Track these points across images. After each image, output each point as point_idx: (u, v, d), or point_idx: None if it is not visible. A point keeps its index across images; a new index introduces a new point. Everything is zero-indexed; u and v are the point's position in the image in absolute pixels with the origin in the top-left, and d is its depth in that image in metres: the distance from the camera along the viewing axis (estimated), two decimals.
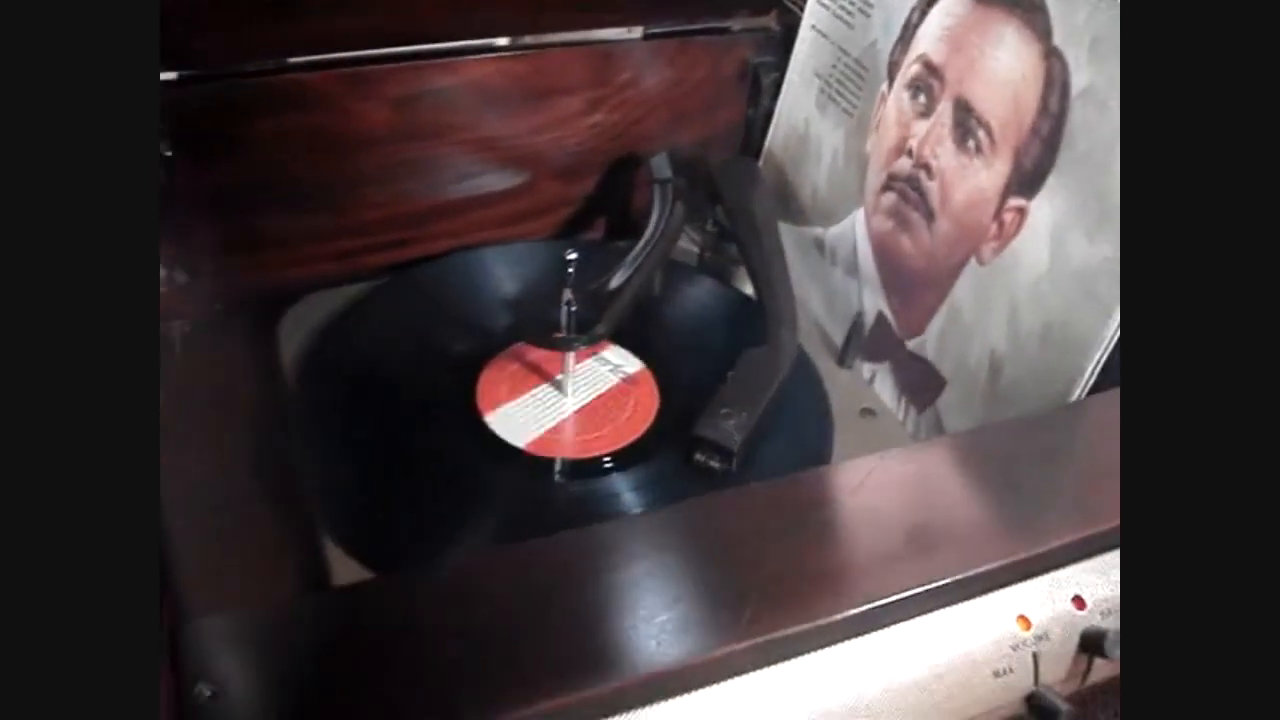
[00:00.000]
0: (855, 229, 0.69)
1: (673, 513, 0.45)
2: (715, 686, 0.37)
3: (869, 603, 0.39)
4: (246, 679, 0.35)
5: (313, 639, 0.37)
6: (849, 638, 0.39)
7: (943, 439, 0.58)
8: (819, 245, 0.72)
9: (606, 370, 0.65)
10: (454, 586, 0.40)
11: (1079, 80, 0.54)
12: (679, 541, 0.42)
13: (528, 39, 0.70)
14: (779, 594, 0.39)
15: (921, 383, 0.64)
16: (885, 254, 0.67)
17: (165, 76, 0.62)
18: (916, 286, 0.64)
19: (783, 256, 0.69)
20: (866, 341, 0.68)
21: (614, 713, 0.36)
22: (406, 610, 0.38)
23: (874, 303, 0.68)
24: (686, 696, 0.37)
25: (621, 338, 0.65)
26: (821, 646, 0.39)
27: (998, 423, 0.59)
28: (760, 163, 0.76)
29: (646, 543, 0.41)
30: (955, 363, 0.62)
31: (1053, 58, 0.55)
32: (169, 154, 0.62)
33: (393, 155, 0.70)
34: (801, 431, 0.62)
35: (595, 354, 0.65)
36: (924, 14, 0.63)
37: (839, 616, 0.38)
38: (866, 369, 0.69)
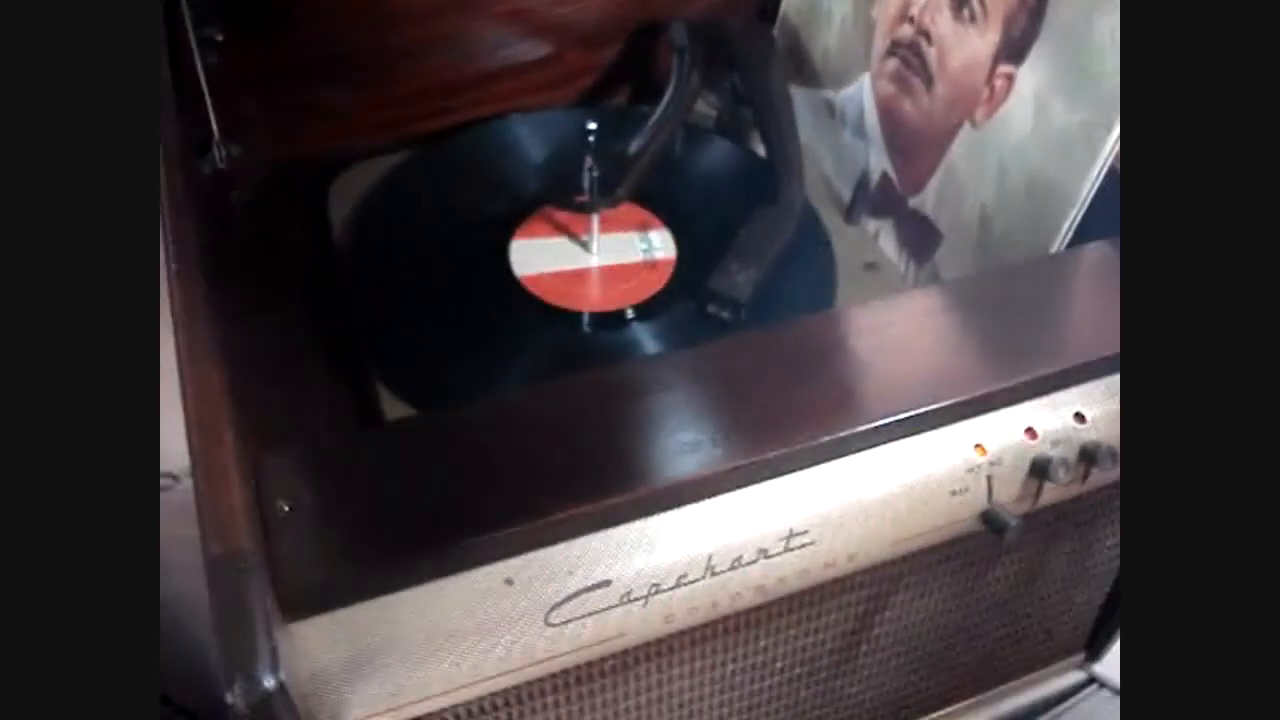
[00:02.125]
0: (862, 92, 0.73)
1: (681, 356, 0.51)
2: (712, 499, 0.44)
3: (841, 431, 0.45)
4: (317, 496, 0.42)
5: (372, 463, 0.44)
6: (824, 461, 0.46)
7: (923, 290, 0.63)
8: (829, 107, 0.76)
9: (637, 242, 0.70)
10: (501, 414, 0.47)
11: None
12: (687, 379, 0.48)
13: None
14: (766, 423, 0.46)
15: (921, 237, 0.69)
16: (889, 116, 0.71)
17: None
18: (917, 147, 0.69)
19: (793, 120, 0.73)
20: (872, 199, 0.73)
21: (627, 519, 0.43)
22: (454, 436, 0.45)
23: (879, 162, 0.72)
24: (687, 508, 0.44)
25: (642, 199, 0.70)
26: (800, 468, 0.45)
27: (977, 274, 0.64)
28: (776, 27, 0.80)
29: (658, 380, 0.48)
30: (951, 218, 0.67)
31: None
32: (219, 37, 0.67)
33: (428, 29, 0.74)
34: (808, 284, 0.68)
35: (631, 226, 0.70)
36: None
37: (814, 443, 0.45)
38: (872, 225, 0.73)
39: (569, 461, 0.44)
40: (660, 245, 0.69)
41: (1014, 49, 0.60)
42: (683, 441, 0.45)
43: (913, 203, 0.70)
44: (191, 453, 0.40)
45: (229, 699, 0.35)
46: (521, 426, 0.46)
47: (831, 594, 0.51)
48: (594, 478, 0.43)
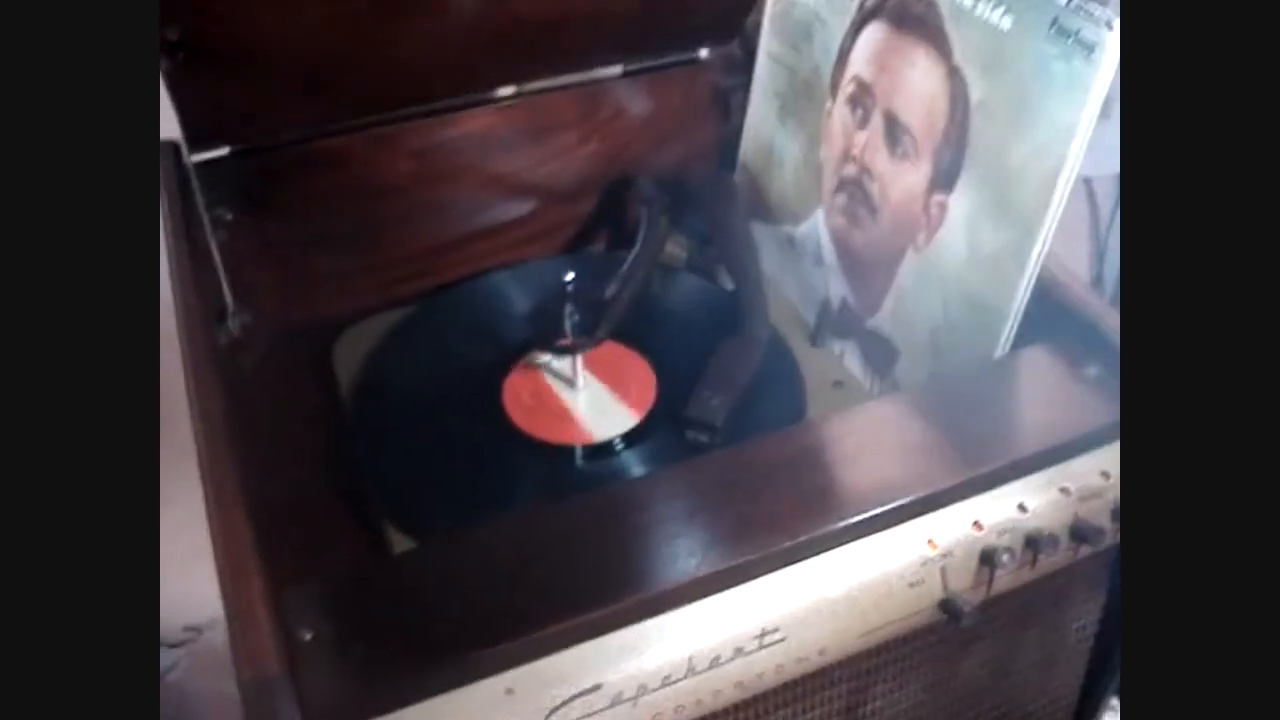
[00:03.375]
0: (817, 225, 0.80)
1: (660, 475, 0.57)
2: (691, 605, 0.49)
3: (804, 535, 0.50)
4: (335, 625, 0.47)
5: (383, 592, 0.49)
6: (791, 563, 0.51)
7: (877, 401, 0.69)
8: (789, 241, 0.83)
9: (618, 374, 0.75)
10: (496, 538, 0.52)
11: (975, 93, 0.64)
12: (665, 497, 0.54)
13: (521, 88, 0.82)
14: (738, 533, 0.51)
15: (881, 355, 0.75)
16: (843, 246, 0.77)
17: (221, 152, 0.74)
18: (869, 272, 0.75)
19: (756, 256, 0.80)
20: (834, 322, 0.79)
21: (615, 627, 0.48)
22: (453, 562, 0.50)
23: (838, 288, 0.79)
24: (669, 614, 0.49)
25: (619, 335, 0.76)
26: (770, 571, 0.50)
27: (926, 383, 0.69)
28: (735, 173, 0.87)
29: (640, 499, 0.54)
30: (905, 335, 0.73)
31: (955, 75, 0.65)
32: (229, 217, 0.74)
33: (416, 198, 0.82)
34: (779, 404, 0.73)
35: (611, 359, 0.75)
36: (854, 40, 0.73)
37: (780, 548, 0.50)
38: (836, 346, 0.79)
39: (560, 577, 0.49)
40: (640, 377, 0.75)
41: (943, 179, 0.67)
42: (663, 554, 0.50)
43: (870, 323, 0.76)
44: (223, 593, 0.45)
45: None
46: (515, 548, 0.51)
47: (811, 689, 0.55)
48: (584, 591, 0.48)
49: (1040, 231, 0.61)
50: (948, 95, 0.66)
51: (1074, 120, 0.58)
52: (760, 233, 0.84)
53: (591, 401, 0.73)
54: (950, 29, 0.65)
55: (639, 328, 0.77)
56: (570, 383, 0.74)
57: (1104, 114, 0.58)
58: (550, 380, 0.75)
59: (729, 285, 0.81)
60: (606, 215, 0.88)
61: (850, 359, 0.78)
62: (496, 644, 0.46)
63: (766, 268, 0.83)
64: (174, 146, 0.73)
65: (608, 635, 0.48)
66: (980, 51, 0.63)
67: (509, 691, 0.46)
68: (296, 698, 0.43)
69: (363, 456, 0.70)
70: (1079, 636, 0.65)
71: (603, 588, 0.48)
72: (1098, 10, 0.56)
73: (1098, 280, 1.30)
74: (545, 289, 0.81)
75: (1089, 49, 0.56)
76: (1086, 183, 1.19)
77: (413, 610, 0.48)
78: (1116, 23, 0.55)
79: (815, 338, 0.80)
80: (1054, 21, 0.58)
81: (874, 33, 0.71)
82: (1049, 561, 0.55)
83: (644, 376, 0.75)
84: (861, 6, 0.72)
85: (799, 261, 0.82)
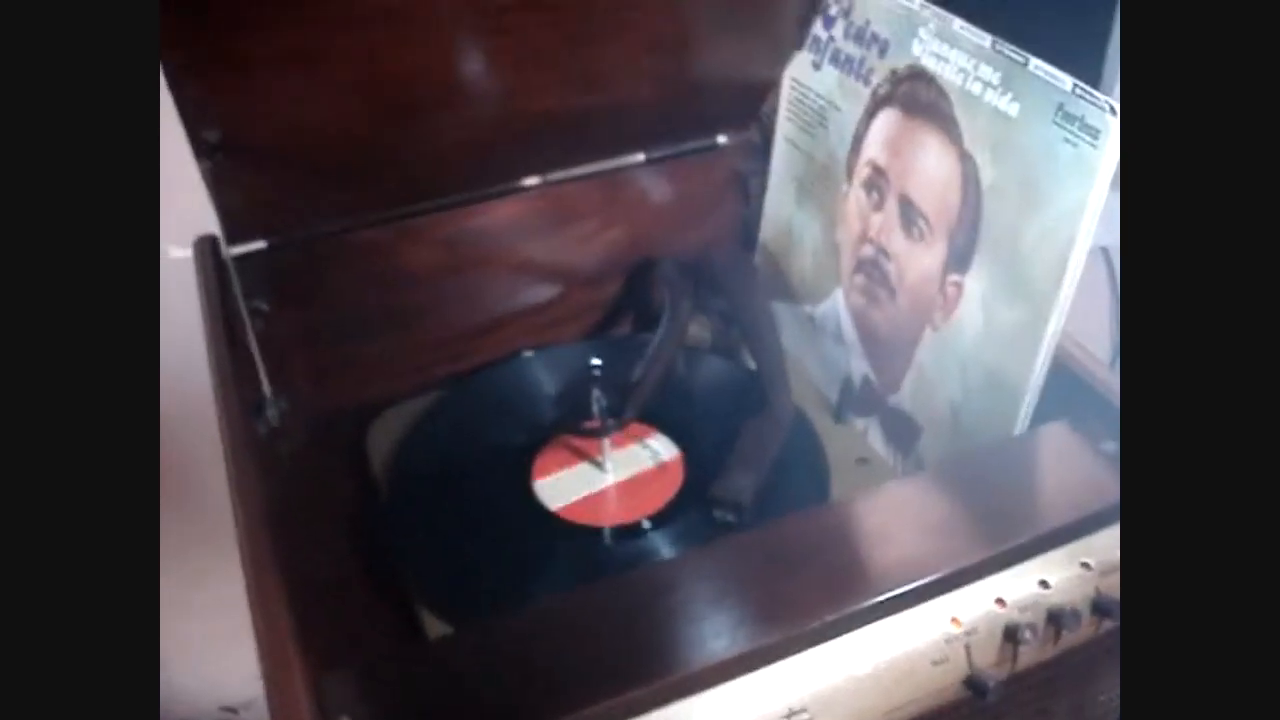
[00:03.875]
0: (837, 305, 0.81)
1: (690, 558, 0.58)
2: (721, 685, 0.50)
3: (830, 616, 0.51)
4: (372, 709, 0.48)
5: (420, 676, 0.50)
6: (817, 643, 0.52)
7: (899, 481, 0.70)
8: (810, 320, 0.84)
9: (646, 455, 0.77)
10: (531, 622, 0.53)
11: (986, 177, 0.66)
12: (694, 580, 0.55)
13: (546, 177, 0.84)
14: (765, 615, 0.52)
15: (903, 431, 0.76)
16: (862, 325, 0.79)
17: (258, 246, 0.77)
18: (889, 351, 0.77)
19: (777, 336, 0.82)
20: (857, 399, 0.80)
21: (648, 709, 0.49)
22: (488, 646, 0.52)
23: (860, 366, 0.80)
24: (700, 694, 0.50)
25: (650, 417, 0.78)
26: (797, 651, 0.51)
27: (947, 461, 0.71)
28: (755, 254, 0.89)
29: (671, 582, 0.55)
30: (926, 412, 0.74)
31: (966, 159, 0.67)
32: (266, 308, 0.77)
33: (446, 285, 0.84)
34: (804, 482, 0.74)
35: (639, 439, 0.78)
36: (867, 126, 0.75)
37: (807, 629, 0.51)
38: (860, 423, 0.81)
39: (591, 662, 0.50)
40: (667, 456, 0.76)
41: (958, 260, 0.69)
42: (692, 636, 0.51)
43: (892, 400, 0.77)
44: (265, 680, 0.47)
45: None
46: (547, 633, 0.52)
47: None
48: (615, 675, 0.49)
49: (1054, 309, 0.62)
50: (960, 179, 0.68)
51: (1082, 201, 0.60)
52: (781, 312, 0.86)
53: (621, 482, 0.75)
54: (960, 115, 0.67)
55: (665, 409, 0.79)
56: (599, 464, 0.76)
57: (1116, 184, 0.60)
58: (579, 462, 0.76)
59: (752, 365, 0.82)
60: (631, 298, 0.90)
61: (873, 436, 0.79)
62: None
63: (789, 346, 0.84)
64: (212, 240, 0.76)
65: (641, 716, 0.49)
66: (989, 136, 0.65)
67: None
68: None
69: (396, 540, 0.72)
70: (1105, 710, 0.65)
71: (633, 671, 0.49)
72: (1100, 97, 0.58)
73: (1119, 349, 1.31)
74: (573, 371, 0.83)
75: (1094, 134, 0.58)
76: (1104, 252, 1.20)
77: (447, 696, 0.49)
78: (1117, 107, 0.57)
79: (838, 415, 0.81)
80: (1059, 108, 0.60)
81: (887, 118, 0.74)
82: (1072, 636, 0.56)
83: (671, 457, 0.77)
84: (874, 94, 0.74)
85: (820, 340, 0.84)
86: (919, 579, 0.53)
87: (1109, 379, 0.64)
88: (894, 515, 0.59)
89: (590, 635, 0.51)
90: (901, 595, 0.53)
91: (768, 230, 0.88)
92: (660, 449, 0.77)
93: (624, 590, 0.55)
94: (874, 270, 0.77)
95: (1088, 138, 0.59)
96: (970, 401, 0.69)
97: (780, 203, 0.86)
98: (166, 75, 0.60)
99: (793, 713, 0.50)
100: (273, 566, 0.53)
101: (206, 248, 0.76)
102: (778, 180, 0.86)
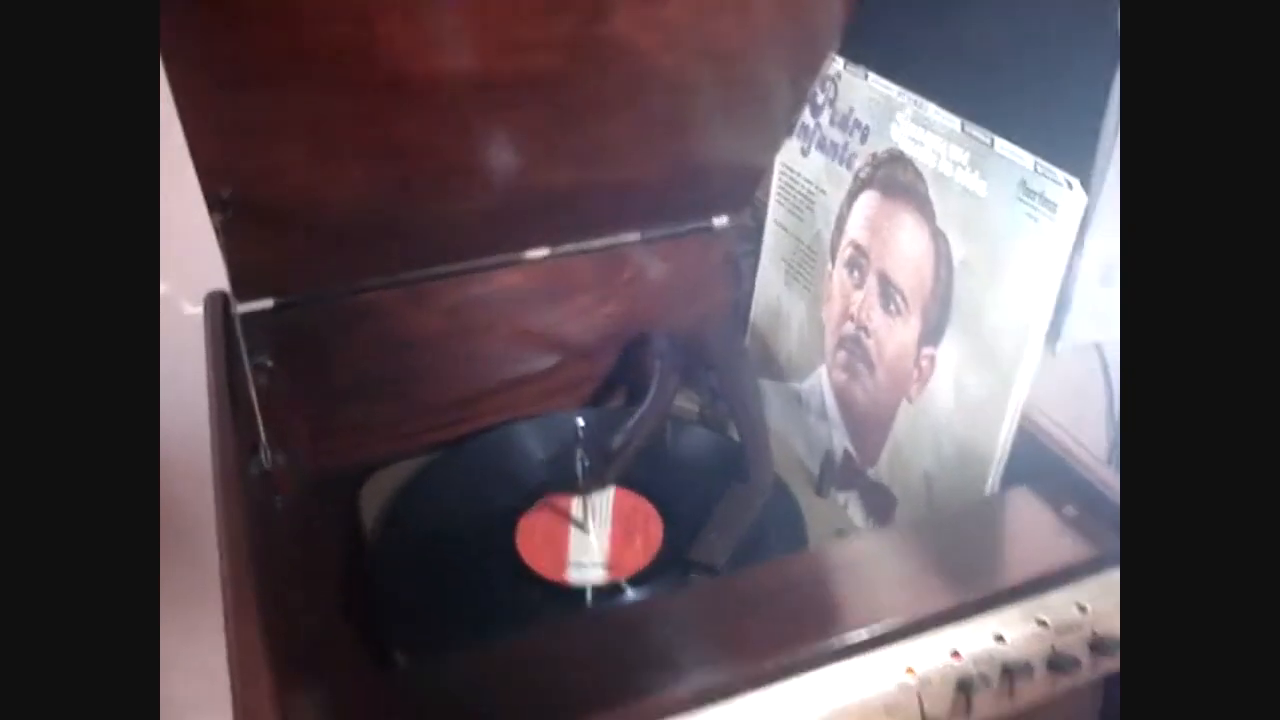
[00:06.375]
0: (821, 382, 0.84)
1: (653, 603, 0.60)
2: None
3: (784, 658, 0.53)
4: None
5: (384, 700, 0.52)
6: (771, 683, 0.53)
7: (864, 536, 0.74)
8: (796, 397, 0.87)
9: (629, 520, 0.79)
10: (499, 654, 0.55)
11: (958, 253, 0.69)
12: (655, 621, 0.57)
13: (550, 250, 0.88)
14: (721, 655, 0.53)
15: (880, 503, 0.78)
16: (844, 400, 0.81)
17: (264, 304, 0.81)
18: (868, 425, 0.79)
19: (762, 410, 0.84)
20: (839, 474, 0.82)
21: None
22: (451, 678, 0.53)
23: (841, 441, 0.82)
24: None
25: (634, 484, 0.80)
26: (750, 690, 0.52)
27: (915, 523, 0.73)
28: (747, 333, 0.92)
29: (630, 624, 0.56)
30: (902, 483, 0.76)
31: (939, 237, 0.70)
32: (270, 364, 0.80)
33: (445, 351, 0.87)
34: (783, 551, 0.76)
35: (622, 504, 0.79)
36: (850, 207, 0.79)
37: (761, 669, 0.52)
38: (840, 496, 0.82)
39: (546, 693, 0.52)
40: (649, 521, 0.78)
41: (932, 333, 0.71)
42: (649, 675, 0.52)
43: (871, 474, 0.79)
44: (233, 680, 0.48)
45: None
46: (508, 666, 0.54)
47: None
48: (567, 708, 0.51)
49: (1017, 379, 0.64)
50: (933, 256, 0.71)
51: (1042, 272, 0.62)
52: (770, 390, 0.89)
53: (601, 545, 0.76)
54: (933, 195, 0.70)
55: (649, 476, 0.81)
56: (582, 526, 0.78)
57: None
58: (563, 524, 0.78)
59: (738, 438, 0.84)
60: (626, 371, 0.93)
61: (853, 509, 0.81)
62: None
63: (776, 423, 0.87)
64: (223, 297, 0.79)
65: None
66: (960, 214, 0.68)
67: None
68: None
69: (381, 597, 0.73)
70: None
71: (585, 704, 0.51)
72: (1059, 173, 0.61)
73: (1115, 444, 1.32)
74: (563, 440, 0.85)
75: (1053, 207, 0.61)
76: (1098, 348, 1.22)
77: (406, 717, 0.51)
78: (1077, 183, 0.60)
79: (820, 488, 0.83)
80: (1022, 184, 0.63)
81: (867, 200, 0.77)
82: (1028, 690, 0.56)
83: (653, 522, 0.78)
84: (856, 177, 0.78)
85: (805, 416, 0.86)
86: (876, 626, 0.55)
87: (1072, 448, 0.66)
88: (859, 566, 0.60)
89: (546, 669, 0.53)
90: (856, 644, 0.54)
91: (758, 310, 0.91)
92: (643, 514, 0.79)
93: (592, 626, 0.56)
94: (855, 347, 0.79)
95: (1047, 211, 0.62)
96: (943, 471, 0.71)
97: (770, 283, 0.89)
98: (185, 133, 0.64)
99: None
100: (253, 616, 0.54)
101: (216, 303, 0.79)
102: (768, 261, 0.89)
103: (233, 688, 0.51)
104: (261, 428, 0.76)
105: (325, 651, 0.71)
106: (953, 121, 0.68)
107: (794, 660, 0.53)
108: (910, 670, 0.54)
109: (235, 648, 0.52)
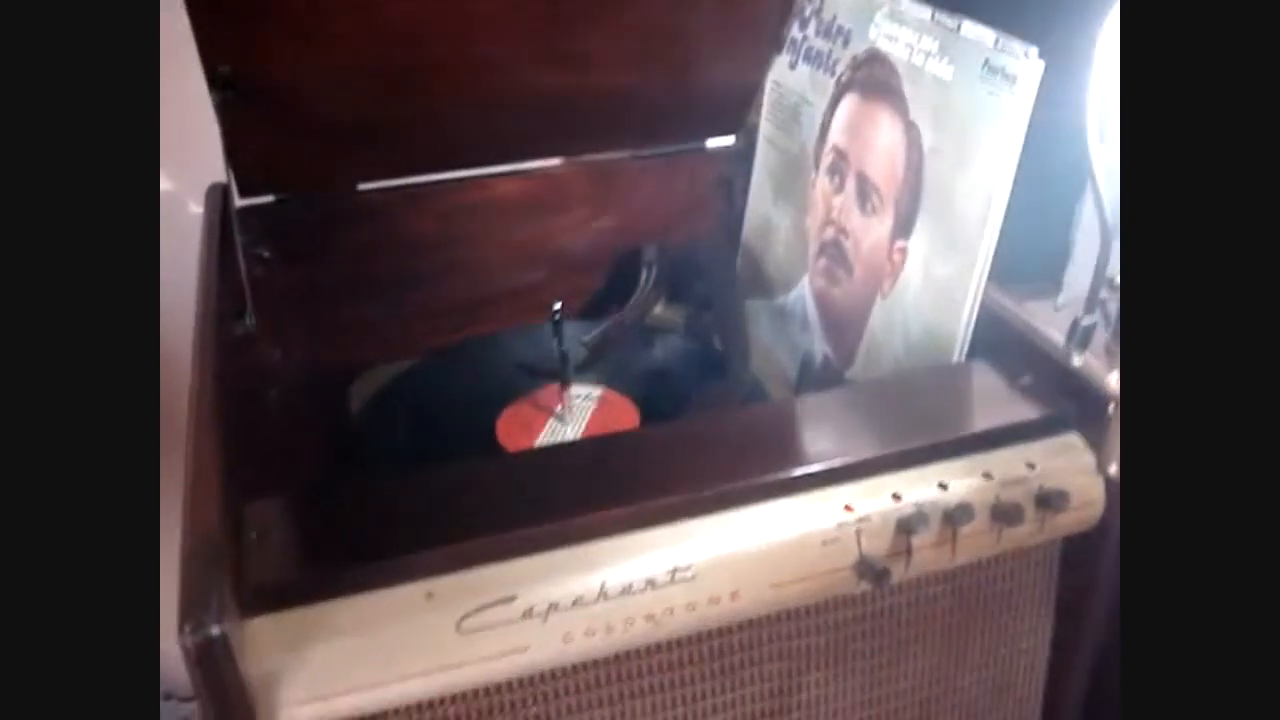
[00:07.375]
0: (804, 291, 0.85)
1: (608, 439, 0.63)
2: (609, 538, 0.53)
3: (726, 487, 0.54)
4: (282, 528, 0.52)
5: (330, 508, 0.54)
6: (709, 513, 0.54)
7: (822, 393, 0.76)
8: (781, 311, 0.88)
9: (606, 415, 0.81)
10: (451, 473, 0.58)
11: (927, 141, 0.70)
12: (610, 454, 0.60)
13: (541, 163, 0.90)
14: (664, 481, 0.55)
15: None
16: (823, 306, 0.82)
17: (265, 199, 0.84)
18: (844, 326, 0.80)
19: (744, 318, 0.86)
20: (815, 377, 0.83)
21: (533, 551, 0.52)
22: (401, 490, 0.56)
23: (820, 347, 0.83)
24: (585, 544, 0.53)
25: (614, 385, 0.82)
26: (688, 518, 0.54)
27: (876, 381, 0.75)
28: (740, 251, 0.94)
29: (585, 453, 0.59)
30: (874, 377, 0.77)
31: (911, 129, 0.71)
32: (266, 255, 0.83)
33: (439, 258, 0.89)
34: None
35: (600, 401, 0.82)
36: (832, 113, 0.80)
37: (699, 496, 0.54)
38: None
39: (490, 507, 0.54)
40: (626, 417, 0.80)
41: (903, 225, 0.72)
42: (592, 493, 0.54)
43: (847, 375, 0.80)
44: (186, 485, 0.50)
45: (179, 641, 0.44)
46: (457, 482, 0.56)
47: (739, 664, 0.57)
48: (508, 517, 0.53)
49: (979, 255, 0.65)
50: (905, 147, 0.72)
51: (1003, 147, 0.64)
52: (758, 307, 0.90)
53: (575, 434, 0.78)
54: (907, 88, 0.72)
55: (632, 381, 0.83)
56: (560, 418, 0.80)
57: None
58: (543, 415, 0.80)
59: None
60: (616, 286, 0.95)
61: None
62: (419, 551, 0.50)
63: (763, 338, 0.88)
64: (222, 189, 0.82)
65: (526, 557, 0.52)
66: (930, 103, 0.70)
67: (429, 596, 0.50)
68: (232, 583, 0.47)
69: (363, 456, 0.76)
70: (1027, 665, 0.66)
71: (525, 516, 0.52)
72: (1018, 45, 0.62)
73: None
74: (549, 348, 0.87)
75: (1012, 80, 0.62)
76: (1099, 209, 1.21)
77: (353, 523, 0.53)
78: (1034, 51, 0.61)
79: (796, 392, 0.84)
80: (985, 63, 0.65)
81: (848, 103, 0.78)
82: (971, 541, 0.57)
83: (629, 419, 0.80)
84: (838, 82, 0.79)
85: (788, 328, 0.87)
86: (817, 464, 0.56)
87: (1029, 326, 0.66)
88: (812, 417, 0.62)
89: (494, 488, 0.55)
90: (796, 478, 0.55)
91: (749, 229, 0.93)
92: (620, 410, 0.80)
93: (535, 458, 0.59)
94: (835, 251, 0.80)
95: (1007, 85, 0.63)
96: (910, 356, 0.72)
97: (761, 199, 0.91)
98: (187, 7, 0.67)
99: (678, 570, 0.52)
100: (212, 433, 0.56)
101: (216, 193, 0.82)
102: (758, 179, 0.91)
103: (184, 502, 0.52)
104: (249, 296, 0.78)
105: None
106: (924, 12, 0.70)
107: (734, 490, 0.54)
108: (849, 508, 0.55)
109: (192, 460, 0.54)
